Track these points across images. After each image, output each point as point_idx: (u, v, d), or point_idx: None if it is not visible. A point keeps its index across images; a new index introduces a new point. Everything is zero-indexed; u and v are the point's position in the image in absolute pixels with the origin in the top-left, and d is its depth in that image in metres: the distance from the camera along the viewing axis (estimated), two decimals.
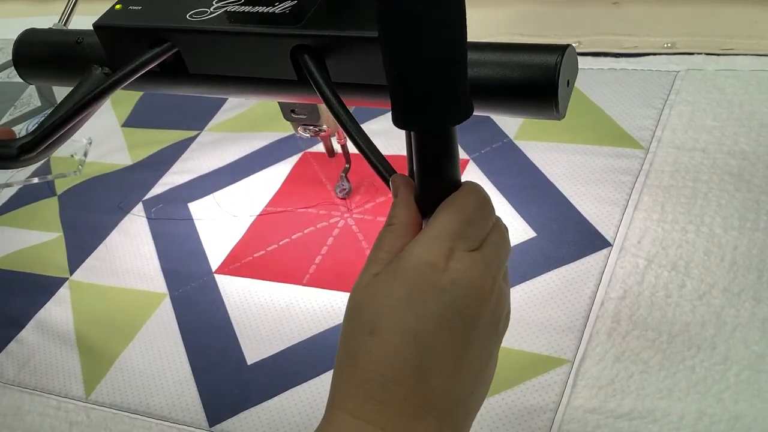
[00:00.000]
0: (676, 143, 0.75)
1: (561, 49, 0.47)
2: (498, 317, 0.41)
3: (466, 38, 0.37)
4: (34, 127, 1.06)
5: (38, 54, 0.65)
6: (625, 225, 0.69)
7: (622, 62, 0.87)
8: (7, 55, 1.21)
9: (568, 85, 0.48)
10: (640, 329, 0.61)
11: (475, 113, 0.40)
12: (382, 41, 0.37)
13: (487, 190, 0.43)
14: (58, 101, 1.16)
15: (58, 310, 0.80)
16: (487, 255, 0.41)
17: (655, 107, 0.80)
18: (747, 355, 0.58)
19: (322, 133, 0.73)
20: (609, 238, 0.69)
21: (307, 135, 0.74)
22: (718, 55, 0.84)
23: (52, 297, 0.82)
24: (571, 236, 0.70)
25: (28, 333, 0.79)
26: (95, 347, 0.75)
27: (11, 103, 1.15)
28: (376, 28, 0.48)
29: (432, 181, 0.42)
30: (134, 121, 1.05)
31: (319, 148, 0.90)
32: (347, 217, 0.80)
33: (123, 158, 0.99)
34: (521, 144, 0.80)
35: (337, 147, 0.80)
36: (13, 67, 1.22)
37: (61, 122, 0.56)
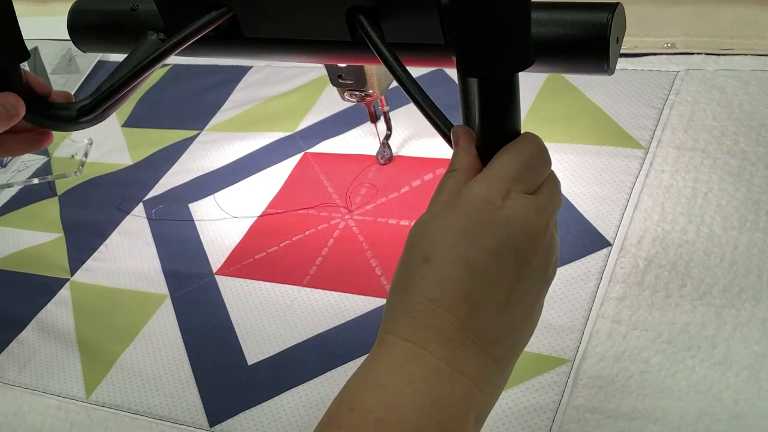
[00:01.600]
0: (676, 143, 0.76)
1: (611, 7, 0.48)
2: (548, 260, 0.42)
3: None
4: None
5: (93, 22, 0.65)
6: (625, 225, 0.69)
7: (622, 62, 0.87)
8: None
9: (617, 42, 0.49)
10: (640, 329, 0.62)
11: (528, 70, 0.41)
12: None
13: None
14: None
15: (58, 311, 0.80)
16: (542, 199, 0.42)
17: (655, 107, 0.80)
18: (747, 355, 0.58)
19: (368, 99, 0.75)
20: (609, 238, 0.69)
21: (354, 100, 0.76)
22: (718, 55, 0.84)
23: (53, 298, 0.82)
24: (571, 236, 0.70)
25: (28, 333, 0.79)
26: (96, 348, 0.75)
27: None
28: None
29: (493, 128, 0.43)
30: (134, 121, 1.05)
31: (320, 148, 0.90)
32: (348, 219, 0.80)
33: (123, 158, 0.99)
34: None
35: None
36: None
37: (118, 86, 0.57)
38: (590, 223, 0.71)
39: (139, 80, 0.57)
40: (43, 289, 0.83)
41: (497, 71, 0.40)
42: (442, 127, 0.48)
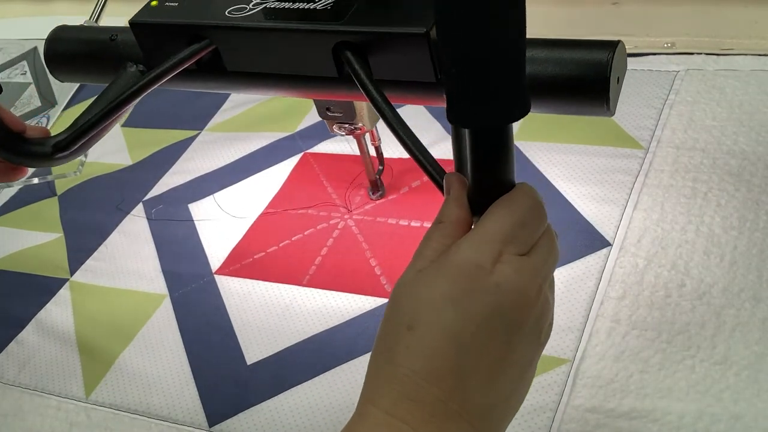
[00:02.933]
0: (676, 143, 0.75)
1: (611, 46, 0.46)
2: (541, 326, 0.40)
3: (525, 32, 0.36)
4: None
5: (71, 51, 0.64)
6: (625, 225, 0.69)
7: None
8: (7, 55, 1.21)
9: (618, 82, 0.47)
10: (639, 329, 0.61)
11: None
12: (440, 34, 0.36)
13: None
14: (59, 101, 1.17)
15: (58, 311, 0.80)
16: (536, 261, 0.40)
17: (655, 107, 0.80)
18: (747, 354, 0.58)
19: (357, 132, 0.72)
20: (609, 238, 0.69)
21: (342, 133, 0.72)
22: (718, 55, 0.84)
23: (53, 298, 0.82)
24: (570, 236, 0.70)
25: (28, 334, 0.79)
26: (95, 348, 0.75)
27: (11, 103, 1.15)
28: (420, 23, 0.48)
29: (486, 180, 0.41)
30: (134, 121, 1.05)
31: (319, 148, 0.90)
32: (347, 218, 0.80)
33: (123, 158, 0.99)
34: (521, 144, 0.80)
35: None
36: (12, 68, 1.22)
37: (96, 120, 0.55)
38: (590, 223, 0.70)
39: (117, 115, 0.56)
40: (43, 289, 0.83)
41: (490, 122, 0.38)
42: (433, 172, 0.46)
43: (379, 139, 0.76)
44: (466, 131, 0.40)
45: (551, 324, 0.42)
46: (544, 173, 0.77)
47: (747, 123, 0.75)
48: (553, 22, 0.95)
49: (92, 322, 0.78)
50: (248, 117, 0.99)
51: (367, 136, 0.76)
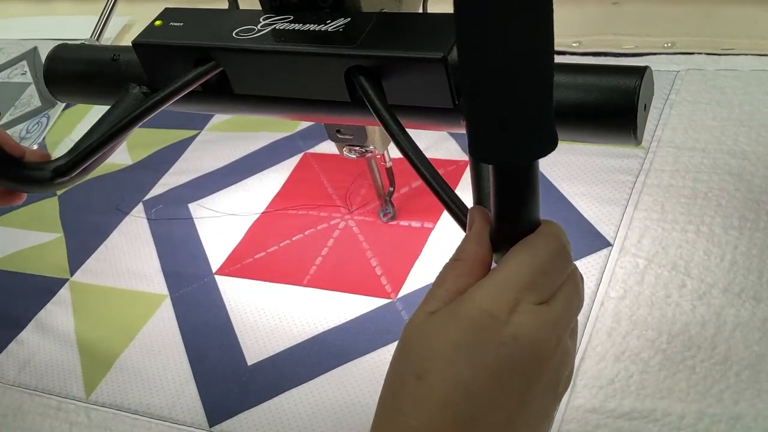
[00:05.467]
0: (676, 143, 0.76)
1: (639, 72, 0.44)
2: (558, 378, 0.39)
3: (553, 65, 0.34)
4: (33, 129, 1.06)
5: (71, 71, 0.62)
6: (625, 225, 0.69)
7: (622, 62, 0.87)
8: (7, 55, 1.21)
9: (645, 109, 0.45)
10: (640, 329, 0.61)
11: None
12: (461, 65, 0.33)
13: None
14: (58, 102, 1.16)
15: (58, 311, 0.80)
16: (556, 310, 0.37)
17: (655, 107, 0.80)
18: (747, 355, 0.58)
19: (368, 155, 0.69)
20: (609, 238, 0.69)
21: (353, 156, 0.69)
22: (718, 55, 0.84)
23: (53, 298, 0.82)
24: (571, 236, 0.69)
25: (28, 334, 0.79)
26: (95, 348, 0.75)
27: (11, 103, 1.15)
28: (437, 47, 0.45)
29: (508, 218, 0.39)
30: None
31: (320, 148, 0.90)
32: (348, 219, 0.80)
33: (123, 158, 0.99)
34: None
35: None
36: (12, 67, 1.22)
37: (98, 145, 0.53)
38: (590, 223, 0.70)
39: (119, 139, 0.54)
40: (43, 289, 0.83)
41: (515, 158, 0.35)
42: (452, 205, 0.43)
43: (390, 161, 0.74)
44: (489, 166, 0.37)
45: (571, 373, 0.40)
46: (544, 173, 0.77)
47: (747, 123, 0.75)
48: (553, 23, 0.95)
49: (92, 322, 0.78)
50: (248, 117, 0.99)
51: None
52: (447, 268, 0.40)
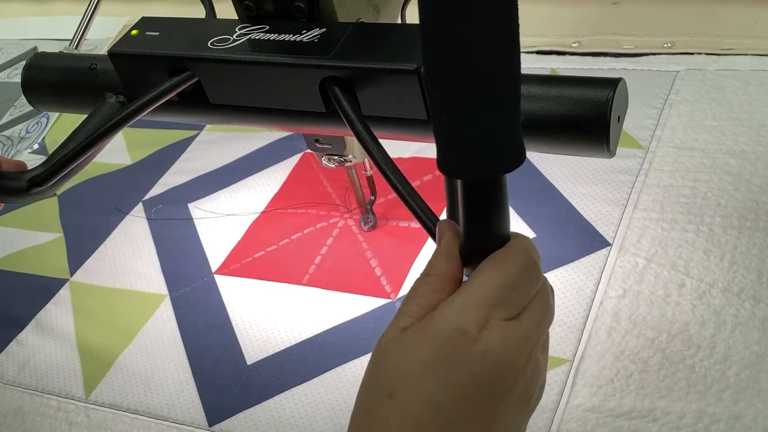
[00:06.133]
0: (676, 143, 0.76)
1: (612, 83, 0.44)
2: (530, 393, 0.39)
3: (520, 80, 0.34)
4: (33, 128, 1.06)
5: (48, 79, 0.62)
6: (625, 224, 0.69)
7: (622, 62, 0.87)
8: (7, 55, 1.21)
9: (618, 121, 0.45)
10: (639, 328, 0.61)
11: None
12: (428, 82, 0.33)
13: None
14: None
15: (58, 311, 0.80)
16: (526, 325, 0.37)
17: (655, 107, 0.80)
18: (747, 354, 0.58)
19: (348, 164, 0.68)
20: (608, 238, 0.69)
21: (332, 165, 0.69)
22: (718, 55, 0.84)
23: (53, 298, 0.82)
24: (570, 236, 0.70)
25: (28, 334, 0.79)
26: (95, 348, 0.75)
27: (11, 103, 1.15)
28: (410, 59, 0.45)
29: (478, 233, 0.39)
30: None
31: None
32: (347, 218, 0.80)
33: (123, 158, 0.99)
34: None
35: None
36: (12, 67, 1.22)
37: (73, 155, 0.53)
38: (590, 223, 0.70)
39: (95, 148, 0.53)
40: (43, 289, 0.83)
41: (482, 174, 0.35)
42: (423, 217, 0.43)
43: (370, 169, 0.73)
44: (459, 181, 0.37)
45: (543, 386, 0.40)
46: (543, 173, 0.77)
47: (747, 123, 0.75)
48: (553, 23, 0.95)
49: (92, 322, 0.78)
50: None
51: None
52: (418, 283, 0.40)
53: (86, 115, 0.58)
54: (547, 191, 0.75)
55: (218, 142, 0.96)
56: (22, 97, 1.14)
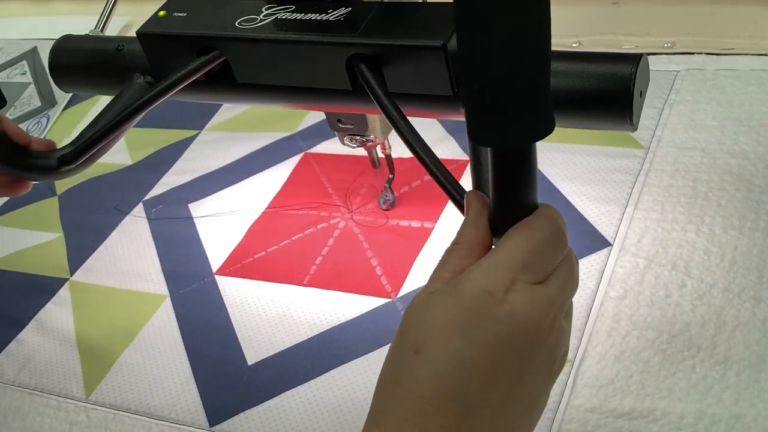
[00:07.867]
0: (676, 143, 0.76)
1: (635, 59, 0.45)
2: (554, 356, 0.39)
3: (550, 45, 0.34)
4: (33, 128, 1.06)
5: (76, 61, 0.63)
6: (625, 225, 0.69)
7: None
8: (7, 55, 1.21)
9: (641, 96, 0.46)
10: (640, 329, 0.61)
11: None
12: (460, 49, 0.34)
13: None
14: (58, 101, 1.16)
15: (58, 311, 0.80)
16: (552, 290, 0.38)
17: (655, 107, 0.80)
18: (747, 355, 0.58)
19: (369, 144, 0.70)
20: (609, 238, 0.69)
21: (354, 145, 0.70)
22: (718, 54, 0.84)
23: (53, 298, 0.82)
24: (571, 236, 0.69)
25: (28, 333, 0.79)
26: (95, 348, 0.75)
27: (11, 103, 1.15)
28: (437, 35, 0.46)
29: (506, 201, 0.39)
30: None
31: (320, 148, 0.90)
32: (348, 218, 0.80)
33: (123, 158, 0.99)
34: None
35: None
36: (13, 67, 1.22)
37: (102, 134, 0.54)
38: (590, 223, 0.70)
39: (124, 127, 0.54)
40: (43, 288, 0.83)
41: (512, 141, 0.36)
42: (452, 190, 0.44)
43: (390, 148, 0.74)
44: (487, 149, 0.38)
45: (566, 353, 0.41)
46: (544, 173, 0.77)
47: (747, 123, 0.75)
48: (553, 22, 0.95)
49: (92, 322, 0.78)
50: (248, 117, 0.99)
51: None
52: (448, 252, 0.41)
53: (113, 97, 0.59)
54: (547, 191, 0.75)
55: (219, 142, 0.96)
56: (23, 97, 1.14)
